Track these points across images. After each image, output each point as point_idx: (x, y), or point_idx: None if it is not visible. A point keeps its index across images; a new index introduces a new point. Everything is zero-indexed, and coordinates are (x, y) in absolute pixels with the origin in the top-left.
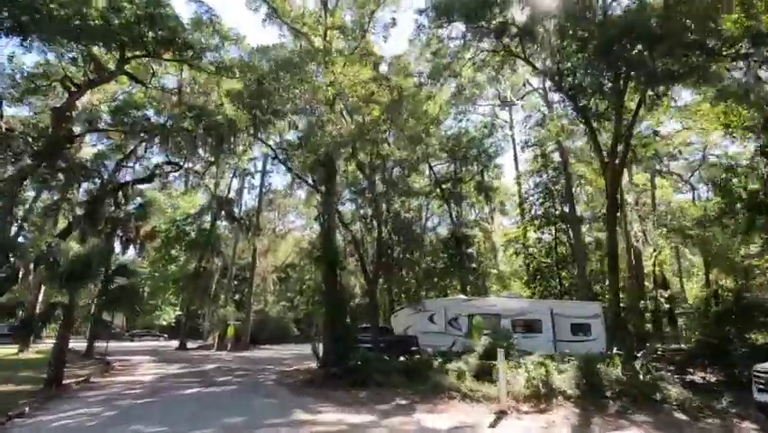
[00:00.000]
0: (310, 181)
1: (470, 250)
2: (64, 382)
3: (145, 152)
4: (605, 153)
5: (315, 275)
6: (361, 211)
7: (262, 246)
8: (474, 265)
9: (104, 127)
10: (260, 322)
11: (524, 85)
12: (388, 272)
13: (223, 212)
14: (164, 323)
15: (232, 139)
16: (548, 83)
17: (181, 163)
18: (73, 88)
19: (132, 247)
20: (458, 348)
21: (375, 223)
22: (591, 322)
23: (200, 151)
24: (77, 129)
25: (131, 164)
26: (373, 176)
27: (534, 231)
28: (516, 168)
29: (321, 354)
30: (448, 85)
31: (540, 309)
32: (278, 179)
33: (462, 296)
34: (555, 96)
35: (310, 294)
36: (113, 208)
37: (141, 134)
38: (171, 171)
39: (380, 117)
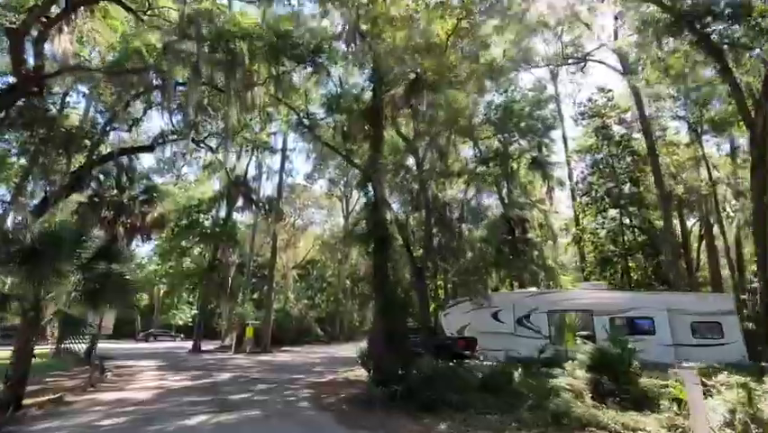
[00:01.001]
0: (340, 150)
1: (529, 235)
2: (28, 401)
3: (144, 113)
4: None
5: (337, 270)
6: (404, 188)
7: (282, 240)
8: (537, 252)
9: (93, 88)
10: (280, 322)
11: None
12: (441, 260)
13: (239, 195)
14: (180, 322)
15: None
16: (635, 22)
17: (186, 131)
18: (44, 20)
19: (138, 237)
20: (525, 353)
21: (422, 199)
22: (722, 320)
23: (204, 83)
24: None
25: (125, 128)
26: (418, 143)
27: (594, 215)
28: (566, 146)
29: (367, 359)
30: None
31: (650, 304)
32: (300, 161)
33: (534, 288)
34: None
35: (332, 292)
36: (114, 191)
37: (134, 79)
38: (176, 139)
39: (449, 37)
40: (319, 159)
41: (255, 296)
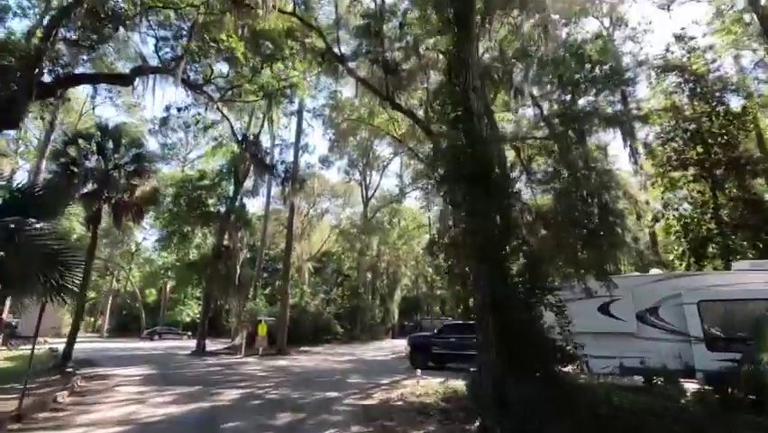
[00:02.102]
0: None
1: (617, 205)
2: None
3: (116, 30)
4: None
5: (357, 262)
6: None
7: (296, 229)
8: (628, 229)
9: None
10: (296, 319)
11: None
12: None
13: (249, 162)
14: (188, 319)
15: None
16: None
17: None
18: None
19: (127, 216)
20: (655, 362)
21: (498, 156)
22: None
23: None
24: None
25: (86, 45)
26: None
27: (675, 187)
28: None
29: (472, 378)
30: None
31: None
32: (317, 137)
33: (657, 270)
34: None
35: (351, 285)
36: (96, 157)
37: None
38: (161, 71)
39: None
40: (338, 136)
41: (267, 291)
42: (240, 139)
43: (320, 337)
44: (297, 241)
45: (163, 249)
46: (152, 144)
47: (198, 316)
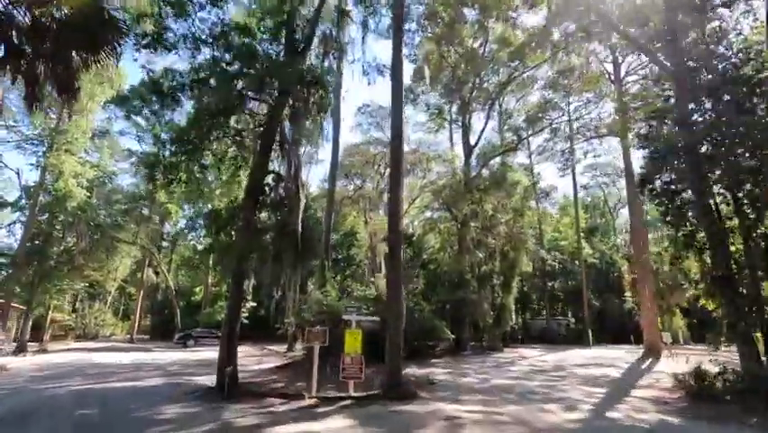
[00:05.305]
0: None
1: None
2: None
3: None
4: None
5: (459, 235)
6: None
7: (364, 204)
8: None
9: None
10: (382, 321)
11: None
12: None
13: None
14: None
15: None
16: None
17: None
18: None
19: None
20: None
21: None
22: None
23: None
24: None
25: None
26: None
27: None
28: None
29: None
30: None
31: None
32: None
33: None
34: None
35: (436, 272)
36: None
37: None
38: None
39: None
40: (433, 39)
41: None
42: None
43: (414, 346)
44: (370, 215)
45: (154, 184)
46: None
47: (246, 314)
